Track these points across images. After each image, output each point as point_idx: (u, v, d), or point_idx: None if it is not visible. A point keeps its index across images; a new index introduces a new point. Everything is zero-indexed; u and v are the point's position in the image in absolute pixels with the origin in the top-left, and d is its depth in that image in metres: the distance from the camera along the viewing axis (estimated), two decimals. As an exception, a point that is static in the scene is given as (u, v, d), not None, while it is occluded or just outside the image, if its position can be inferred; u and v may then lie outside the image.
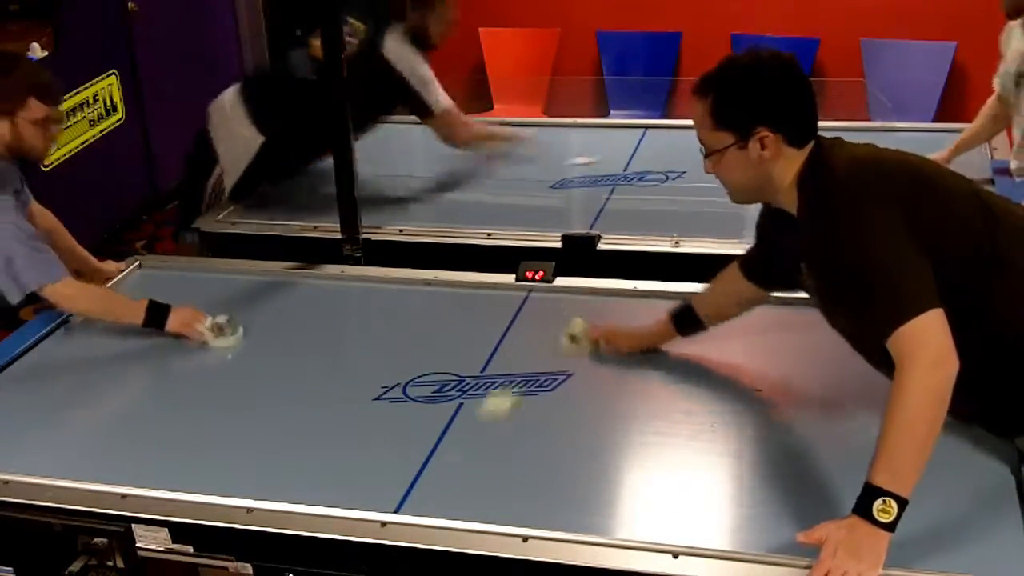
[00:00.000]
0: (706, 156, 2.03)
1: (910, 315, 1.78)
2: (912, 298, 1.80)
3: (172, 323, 2.58)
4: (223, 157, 3.57)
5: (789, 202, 2.01)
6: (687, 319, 2.40)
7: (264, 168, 3.55)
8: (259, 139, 3.50)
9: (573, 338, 2.52)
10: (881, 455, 1.74)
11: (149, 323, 2.58)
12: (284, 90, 3.60)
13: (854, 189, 1.91)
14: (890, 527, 1.71)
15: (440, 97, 3.58)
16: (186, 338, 2.59)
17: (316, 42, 3.35)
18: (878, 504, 1.71)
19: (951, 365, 1.76)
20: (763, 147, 1.96)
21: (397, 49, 3.53)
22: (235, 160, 3.55)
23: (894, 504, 1.71)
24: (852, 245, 1.86)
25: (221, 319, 2.60)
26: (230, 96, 3.59)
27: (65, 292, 2.57)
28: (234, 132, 3.55)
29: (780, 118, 1.96)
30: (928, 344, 1.77)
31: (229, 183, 3.56)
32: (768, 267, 2.28)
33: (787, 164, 1.98)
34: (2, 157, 2.59)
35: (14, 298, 2.55)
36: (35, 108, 2.59)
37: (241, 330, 2.61)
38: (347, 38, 3.37)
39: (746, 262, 2.34)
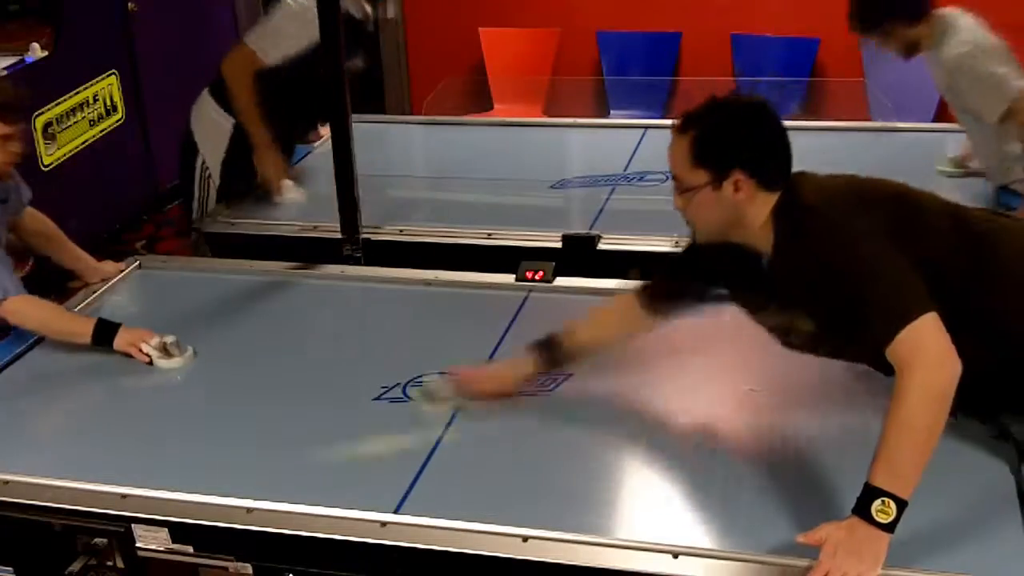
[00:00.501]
0: (679, 192, 2.04)
1: (907, 320, 1.79)
2: (907, 304, 1.81)
3: (119, 341, 2.53)
4: (203, 147, 3.63)
5: (761, 240, 2.02)
6: (550, 351, 2.29)
7: (243, 154, 3.57)
8: (229, 122, 3.55)
9: (433, 397, 2.32)
10: (881, 456, 1.74)
11: (97, 341, 2.53)
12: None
13: (832, 210, 1.96)
14: (889, 528, 1.71)
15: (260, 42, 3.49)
16: (131, 357, 2.52)
17: None
18: (877, 505, 1.71)
19: (953, 366, 1.77)
20: (736, 190, 1.97)
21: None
22: (213, 148, 3.60)
23: (893, 505, 1.71)
24: (839, 261, 1.88)
25: (168, 339, 2.52)
26: (202, 96, 3.65)
27: (12, 308, 2.54)
28: (207, 120, 3.62)
29: (757, 163, 1.98)
30: (928, 347, 1.78)
31: (214, 172, 3.62)
32: (677, 299, 2.31)
33: (760, 206, 2.00)
34: None
35: None
36: None
37: (191, 350, 2.54)
38: None
39: (650, 295, 2.30)
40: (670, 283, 2.33)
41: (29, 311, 2.58)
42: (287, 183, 3.58)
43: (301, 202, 3.54)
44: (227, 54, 3.51)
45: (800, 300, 2.02)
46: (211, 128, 3.61)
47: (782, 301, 2.07)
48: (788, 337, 2.14)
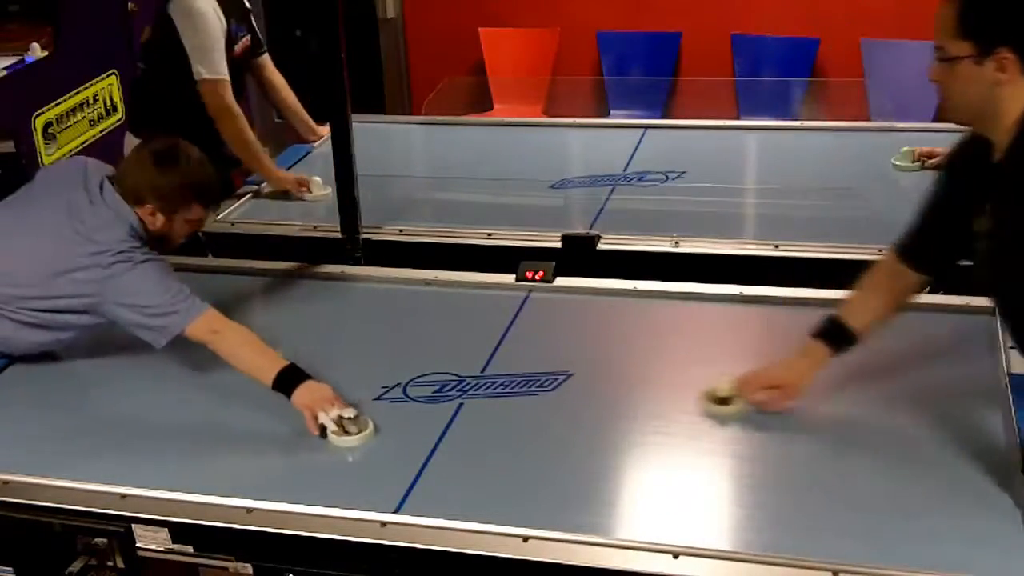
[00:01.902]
0: (938, 60, 1.90)
1: None
2: None
3: (299, 398, 2.23)
4: None
5: (1001, 140, 1.88)
6: (838, 335, 2.20)
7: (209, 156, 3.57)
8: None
9: (722, 400, 2.23)
10: None
11: (277, 387, 2.27)
12: (146, 98, 3.66)
13: None
14: None
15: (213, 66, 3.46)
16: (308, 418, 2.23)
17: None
18: None
19: None
20: (1000, 69, 1.83)
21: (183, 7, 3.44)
22: None
23: None
24: None
25: (348, 413, 2.19)
26: (128, 140, 3.62)
27: (214, 326, 2.37)
28: None
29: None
30: None
31: None
32: (934, 240, 2.12)
33: (1015, 96, 1.85)
34: (145, 235, 2.50)
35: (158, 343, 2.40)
36: (195, 211, 2.53)
37: (371, 427, 2.20)
38: None
39: (905, 245, 2.16)
40: (927, 216, 2.14)
41: (226, 334, 2.37)
42: (316, 180, 3.57)
43: (329, 198, 3.48)
44: (207, 103, 3.46)
45: (1006, 224, 1.88)
46: None
47: (995, 216, 1.92)
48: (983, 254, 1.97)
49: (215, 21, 3.43)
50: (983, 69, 1.85)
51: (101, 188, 2.48)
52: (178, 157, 2.52)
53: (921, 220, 2.16)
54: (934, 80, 1.94)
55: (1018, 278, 1.92)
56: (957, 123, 2.01)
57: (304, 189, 3.54)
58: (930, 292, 2.49)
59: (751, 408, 2.21)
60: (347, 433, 2.18)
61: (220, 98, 3.45)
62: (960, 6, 1.86)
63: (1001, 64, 1.84)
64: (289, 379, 2.26)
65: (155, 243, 2.53)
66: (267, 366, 2.29)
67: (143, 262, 2.40)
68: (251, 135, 3.52)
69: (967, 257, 2.06)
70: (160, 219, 2.49)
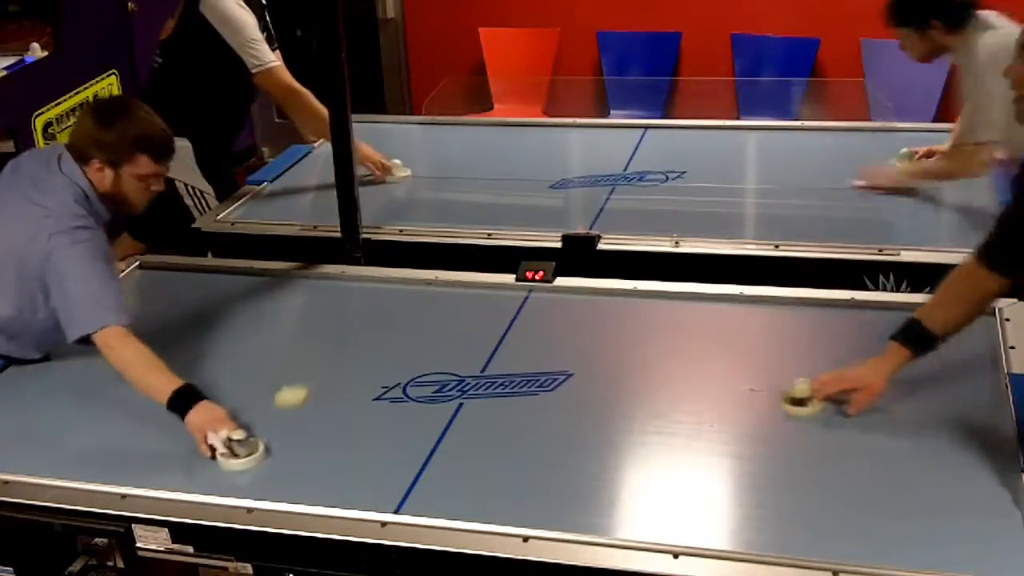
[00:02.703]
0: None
1: None
2: None
3: (192, 419, 2.19)
4: (175, 175, 3.62)
5: None
6: (917, 337, 2.18)
7: (212, 152, 3.65)
8: (185, 144, 3.54)
9: (799, 402, 2.21)
10: None
11: (171, 407, 2.23)
12: (160, 92, 3.65)
13: None
14: None
15: (262, 56, 3.54)
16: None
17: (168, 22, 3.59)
18: None
19: None
20: None
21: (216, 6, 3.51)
22: (185, 170, 3.61)
23: None
24: None
25: (237, 435, 2.14)
26: None
27: (106, 341, 2.31)
28: None
29: None
30: None
31: (203, 186, 3.66)
32: (1013, 244, 2.08)
33: None
34: (98, 199, 2.49)
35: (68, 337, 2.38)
36: (143, 163, 2.48)
37: (261, 449, 2.15)
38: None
39: (985, 249, 2.11)
40: (1007, 233, 2.10)
41: (121, 351, 2.31)
42: (396, 162, 3.63)
43: (409, 180, 3.60)
44: (265, 89, 3.57)
45: None
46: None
47: None
48: None
49: (247, 15, 3.51)
50: None
51: (59, 159, 2.48)
52: (119, 110, 2.52)
53: (1000, 224, 2.13)
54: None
55: None
56: None
57: (385, 172, 3.61)
58: (930, 292, 2.48)
59: (827, 409, 2.19)
60: (235, 456, 2.12)
61: (280, 81, 3.55)
62: None
63: None
64: (184, 399, 2.21)
65: (112, 205, 2.51)
66: (163, 385, 2.24)
67: (82, 242, 2.37)
68: (323, 107, 3.44)
69: None
70: (108, 175, 2.46)
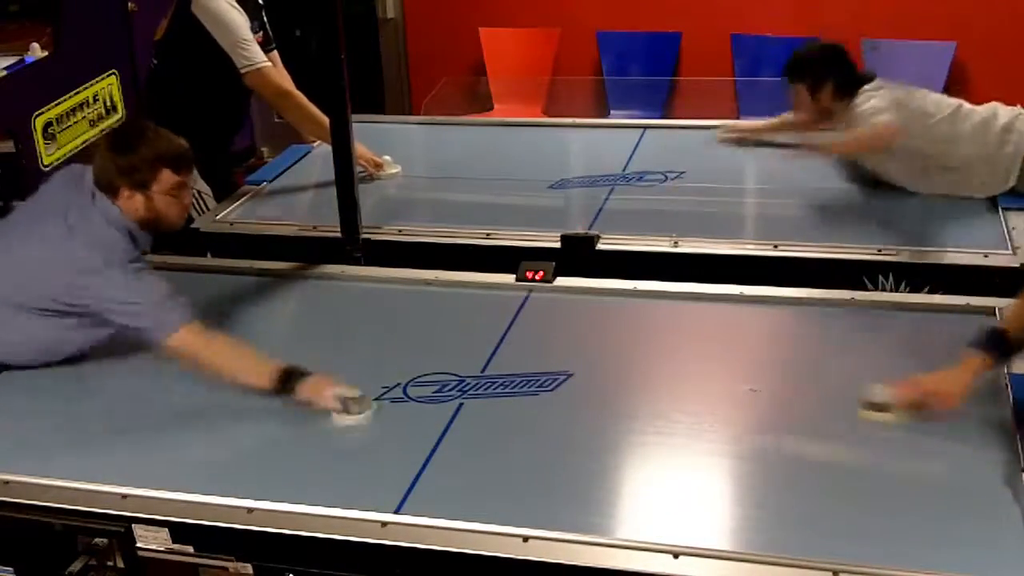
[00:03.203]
0: None
1: None
2: None
3: (303, 390, 2.30)
4: None
5: None
6: (998, 344, 2.18)
7: (212, 154, 3.61)
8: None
9: (879, 407, 2.18)
10: None
11: (281, 390, 2.31)
12: (158, 93, 3.71)
13: None
14: None
15: (252, 56, 3.54)
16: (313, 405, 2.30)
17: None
18: None
19: None
20: None
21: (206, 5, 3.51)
22: None
23: None
24: None
25: (351, 392, 2.29)
26: None
27: (178, 344, 2.36)
28: None
29: None
30: None
31: (199, 186, 3.63)
32: None
33: None
34: (139, 227, 2.51)
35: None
36: (167, 178, 2.50)
37: (374, 406, 2.31)
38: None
39: None
40: None
41: (201, 349, 2.37)
42: (387, 159, 3.66)
43: (399, 176, 3.64)
44: (255, 90, 3.56)
45: None
46: None
47: None
48: None
49: (237, 16, 3.50)
50: None
51: (93, 196, 2.50)
52: (132, 134, 2.56)
53: None
54: None
55: None
56: None
57: (378, 169, 3.64)
58: (929, 292, 2.49)
59: (908, 417, 2.15)
60: (350, 413, 2.27)
61: (270, 82, 3.55)
62: None
63: None
64: (290, 379, 2.31)
65: (150, 229, 2.54)
66: (260, 374, 2.33)
67: (136, 271, 2.43)
68: (315, 109, 3.53)
69: None
70: (138, 199, 2.49)
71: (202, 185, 3.66)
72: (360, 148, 3.54)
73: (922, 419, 2.14)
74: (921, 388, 2.15)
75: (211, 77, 3.56)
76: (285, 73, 3.78)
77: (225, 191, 3.73)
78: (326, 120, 3.32)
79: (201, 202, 3.66)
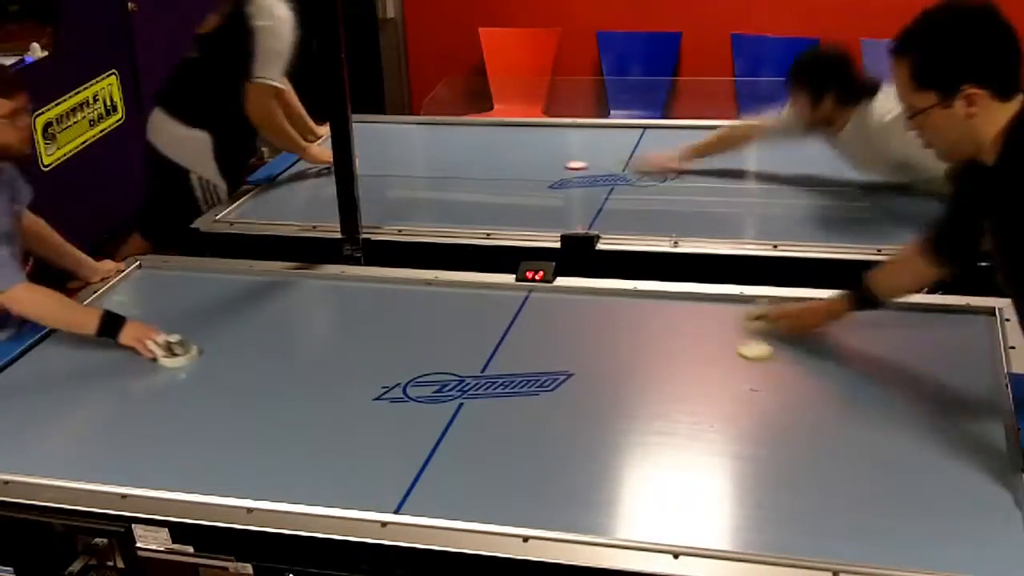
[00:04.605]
0: (909, 117, 1.95)
1: None
2: None
3: (125, 336, 2.54)
4: (191, 165, 3.67)
5: (990, 156, 1.92)
6: (863, 294, 2.36)
7: (230, 149, 3.66)
8: (205, 136, 3.61)
9: (756, 316, 2.52)
10: None
11: (103, 333, 2.54)
12: (190, 82, 3.68)
13: None
14: None
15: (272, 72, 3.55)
16: (137, 352, 2.53)
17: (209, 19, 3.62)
18: None
19: None
20: (970, 104, 1.87)
21: (269, 6, 3.52)
22: (202, 161, 3.64)
23: None
24: None
25: (173, 338, 2.53)
26: (157, 116, 3.71)
27: (17, 296, 2.53)
28: (182, 141, 3.65)
29: (986, 73, 1.87)
30: None
31: (216, 180, 3.67)
32: (951, 237, 2.18)
33: (992, 120, 1.88)
34: None
35: None
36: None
37: (195, 350, 2.54)
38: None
39: (927, 240, 2.22)
40: (947, 216, 2.20)
41: (35, 300, 2.56)
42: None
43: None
44: (246, 99, 3.55)
45: (1009, 223, 1.91)
46: (190, 146, 3.64)
47: (997, 220, 1.96)
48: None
49: (291, 33, 3.51)
50: (953, 111, 1.89)
51: None
52: None
53: (941, 218, 2.21)
54: (913, 130, 1.99)
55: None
56: (951, 162, 2.07)
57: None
58: (930, 292, 2.49)
59: (774, 326, 2.48)
60: (175, 355, 2.51)
61: (267, 103, 3.56)
62: (912, 63, 1.91)
63: (969, 99, 1.88)
64: (112, 323, 2.54)
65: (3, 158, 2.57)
66: (86, 319, 2.56)
67: None
68: (288, 128, 3.68)
69: (984, 258, 2.09)
70: None
71: (217, 179, 3.67)
72: (316, 148, 3.76)
73: (784, 332, 2.46)
74: (788, 311, 2.48)
75: (248, 79, 3.54)
76: (290, 103, 3.82)
77: (237, 188, 3.73)
78: (293, 135, 3.66)
79: (214, 196, 3.67)
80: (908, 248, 2.30)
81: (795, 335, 2.47)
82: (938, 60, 1.89)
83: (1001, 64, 1.89)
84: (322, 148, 3.72)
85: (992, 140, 1.90)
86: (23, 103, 2.58)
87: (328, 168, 3.54)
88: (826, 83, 3.26)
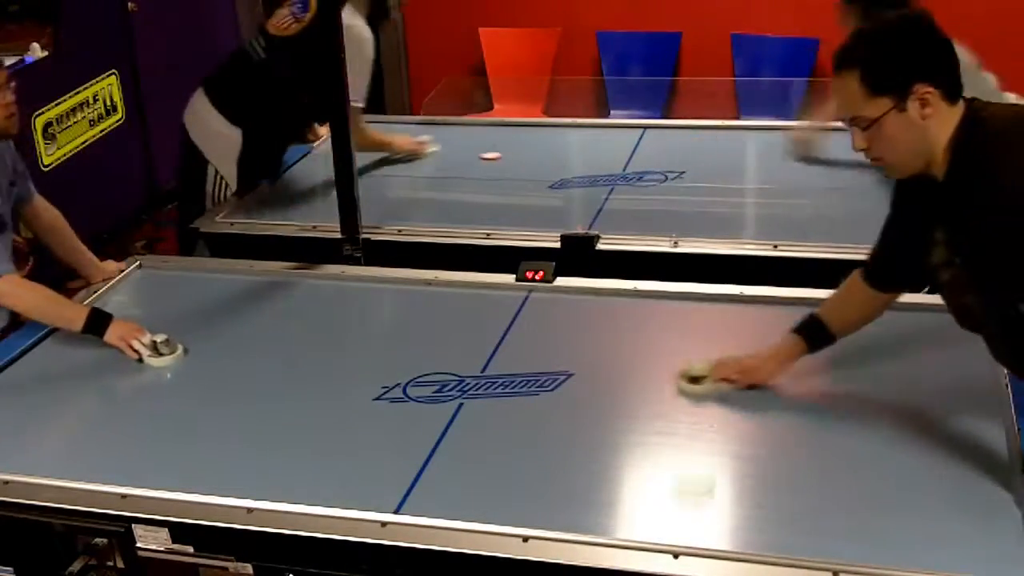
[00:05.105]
0: (862, 131, 1.93)
1: None
2: None
3: (111, 335, 2.54)
4: (212, 158, 3.63)
5: (940, 168, 1.92)
6: (816, 333, 2.28)
7: (256, 156, 3.61)
8: (237, 132, 3.57)
9: (694, 380, 2.33)
10: None
11: (88, 330, 2.54)
12: (245, 78, 3.64)
13: (1012, 137, 1.86)
14: None
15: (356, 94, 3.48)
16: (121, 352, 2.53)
17: (271, 20, 3.58)
18: None
19: None
20: (924, 105, 1.87)
21: (352, 26, 3.44)
22: (224, 158, 3.60)
23: None
24: (1012, 195, 1.79)
25: (159, 337, 2.53)
26: (198, 100, 3.65)
27: (3, 289, 2.53)
28: (213, 133, 3.61)
29: (935, 72, 1.88)
30: None
31: (230, 180, 3.61)
32: (893, 262, 2.18)
33: (944, 124, 1.89)
34: None
35: None
36: None
37: (181, 349, 2.55)
38: (296, 14, 3.52)
39: (868, 269, 2.23)
40: (884, 241, 2.19)
41: (21, 293, 2.56)
42: (424, 138, 3.86)
43: (439, 152, 3.88)
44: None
45: (960, 234, 1.92)
46: (218, 141, 3.60)
47: (948, 233, 1.95)
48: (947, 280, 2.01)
49: (373, 51, 3.53)
50: (908, 114, 1.88)
51: None
52: None
53: (880, 243, 2.21)
54: (861, 149, 1.97)
55: (974, 293, 1.96)
56: (901, 177, 2.03)
57: (422, 147, 3.87)
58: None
59: (720, 388, 2.30)
60: (160, 355, 2.51)
61: (359, 126, 3.46)
62: (862, 69, 1.89)
63: (923, 100, 1.87)
64: (97, 320, 2.54)
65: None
66: (72, 315, 2.56)
67: None
68: (374, 135, 3.77)
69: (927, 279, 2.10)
70: None
71: (231, 178, 3.64)
72: (399, 138, 3.86)
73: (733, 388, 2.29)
74: (736, 366, 2.31)
75: (305, 92, 3.49)
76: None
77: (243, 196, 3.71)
78: (380, 137, 3.77)
79: (221, 193, 3.65)
80: (851, 279, 2.27)
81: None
82: (888, 62, 1.89)
83: (946, 64, 1.90)
84: (404, 136, 3.89)
85: (943, 150, 1.90)
86: (3, 79, 2.56)
87: (412, 157, 3.79)
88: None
